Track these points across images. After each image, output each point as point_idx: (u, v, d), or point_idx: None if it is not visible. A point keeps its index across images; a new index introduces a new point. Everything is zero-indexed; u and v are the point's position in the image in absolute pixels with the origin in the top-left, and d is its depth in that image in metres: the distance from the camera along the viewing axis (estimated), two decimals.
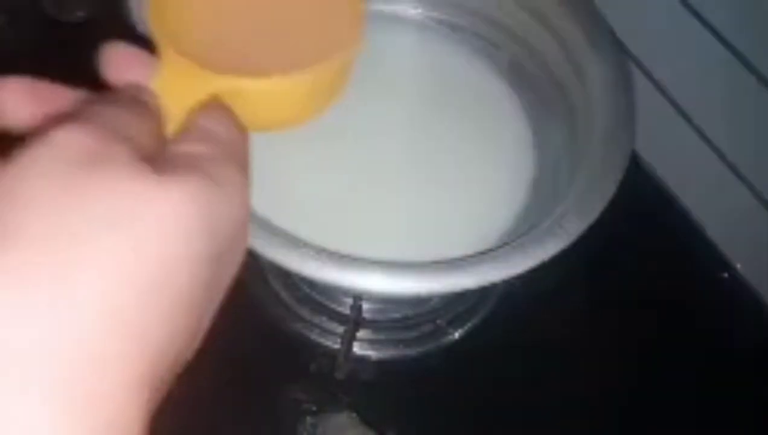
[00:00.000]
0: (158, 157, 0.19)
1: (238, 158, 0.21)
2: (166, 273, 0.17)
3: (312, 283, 0.49)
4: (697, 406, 0.47)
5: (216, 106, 0.24)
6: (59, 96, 0.21)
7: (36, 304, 0.15)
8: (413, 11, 0.51)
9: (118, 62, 0.22)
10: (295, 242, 0.34)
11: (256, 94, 0.25)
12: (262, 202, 0.38)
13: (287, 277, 0.50)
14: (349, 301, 0.47)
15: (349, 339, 0.45)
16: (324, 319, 0.49)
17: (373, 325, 0.49)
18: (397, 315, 0.50)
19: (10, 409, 0.14)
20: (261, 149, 0.44)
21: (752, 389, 0.48)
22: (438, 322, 0.49)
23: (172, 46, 0.24)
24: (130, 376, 0.16)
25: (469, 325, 0.50)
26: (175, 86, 0.23)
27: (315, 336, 0.49)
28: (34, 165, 0.17)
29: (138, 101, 0.21)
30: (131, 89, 0.22)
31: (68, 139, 0.17)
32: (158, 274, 0.16)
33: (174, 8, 0.26)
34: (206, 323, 0.19)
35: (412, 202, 0.44)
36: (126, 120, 0.19)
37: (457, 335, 0.49)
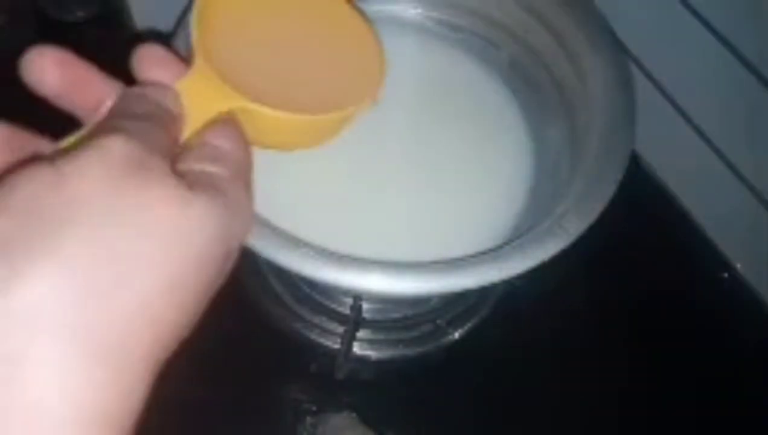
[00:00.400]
0: (175, 162, 0.22)
1: (246, 178, 0.24)
2: (184, 275, 0.20)
3: (312, 283, 0.49)
4: (698, 405, 0.47)
5: (230, 124, 0.26)
6: (89, 74, 0.24)
7: (87, 285, 0.18)
8: (413, 11, 0.51)
9: (149, 60, 0.25)
10: (295, 242, 0.34)
11: (269, 121, 0.27)
12: (262, 203, 0.38)
13: (287, 277, 0.50)
14: (349, 301, 0.47)
15: (349, 339, 0.45)
16: (324, 319, 0.49)
17: (373, 325, 0.49)
18: (397, 315, 0.50)
19: (54, 356, 0.17)
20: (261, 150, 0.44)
21: (752, 389, 0.48)
22: (438, 322, 0.49)
23: (207, 58, 0.26)
24: (143, 352, 0.19)
25: (469, 325, 0.50)
26: (199, 94, 0.25)
27: (315, 336, 0.49)
28: (91, 168, 0.19)
29: (162, 108, 0.24)
30: (157, 91, 0.24)
31: (119, 149, 0.20)
32: (178, 275, 0.19)
33: (216, 25, 0.28)
34: (198, 315, 0.22)
35: (411, 203, 0.44)
36: (158, 133, 0.22)
37: (457, 335, 0.49)
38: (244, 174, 0.24)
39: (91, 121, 0.25)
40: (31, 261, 0.17)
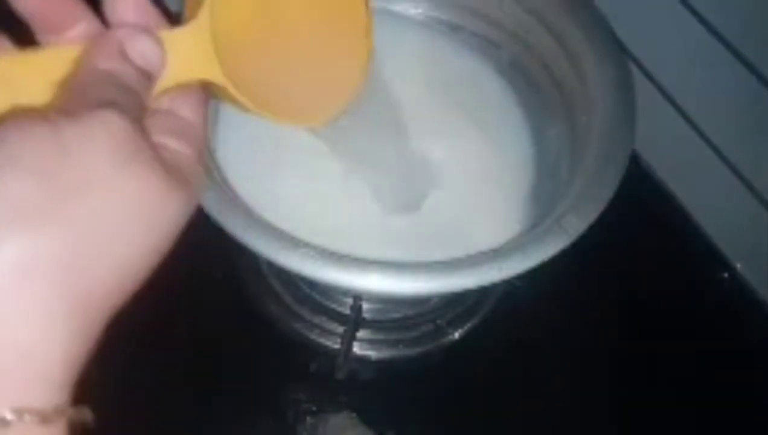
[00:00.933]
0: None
1: (203, 160, 0.25)
2: (149, 255, 0.21)
3: (312, 283, 0.49)
4: (698, 405, 0.47)
5: (199, 95, 0.25)
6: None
7: (80, 250, 0.19)
8: (414, 11, 0.51)
9: (126, 4, 0.24)
10: (295, 242, 0.34)
11: (241, 106, 0.27)
12: (262, 202, 0.38)
13: (287, 277, 0.50)
14: (349, 301, 0.47)
15: (349, 339, 0.45)
16: (324, 319, 0.49)
17: (373, 325, 0.49)
18: (397, 315, 0.50)
19: (38, 304, 0.18)
20: (264, 149, 0.44)
21: (752, 389, 0.48)
22: (438, 322, 0.49)
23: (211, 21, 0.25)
24: (106, 310, 0.20)
25: (469, 325, 0.50)
26: (185, 53, 0.25)
27: (315, 336, 0.49)
28: (97, 142, 0.20)
29: (146, 74, 0.23)
30: (144, 47, 0.23)
31: (118, 127, 0.20)
32: (145, 256, 0.21)
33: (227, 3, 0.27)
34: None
35: (411, 201, 0.44)
36: (141, 104, 0.23)
37: (457, 335, 0.49)
38: (202, 150, 0.25)
39: (47, 41, 0.24)
40: (42, 221, 0.19)
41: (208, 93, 0.26)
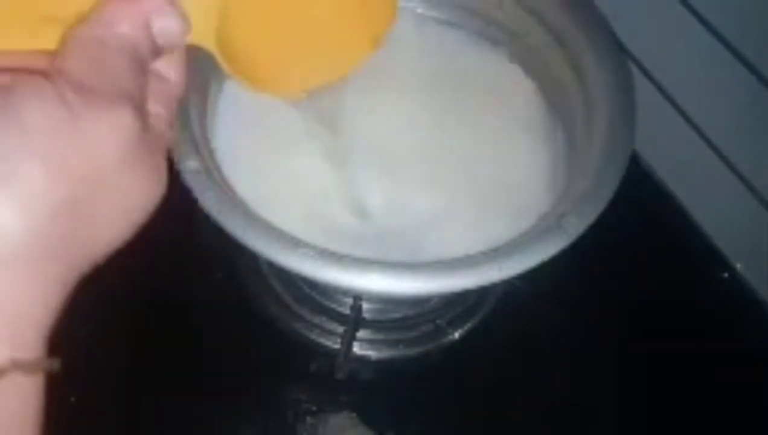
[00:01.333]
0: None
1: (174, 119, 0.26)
2: (128, 233, 0.23)
3: (312, 283, 0.49)
4: (697, 406, 0.47)
5: (187, 59, 0.26)
6: None
7: (75, 226, 0.21)
8: (414, 11, 0.50)
9: None
10: (295, 242, 0.34)
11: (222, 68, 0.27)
12: (262, 202, 0.38)
13: (287, 277, 0.50)
14: (349, 301, 0.47)
15: (349, 339, 0.45)
16: (324, 319, 0.49)
17: (373, 325, 0.49)
18: (397, 315, 0.50)
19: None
20: (265, 149, 0.44)
21: (752, 389, 0.48)
22: (438, 322, 0.49)
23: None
24: (86, 270, 0.22)
25: (469, 325, 0.50)
26: (195, 17, 0.24)
27: (315, 336, 0.49)
28: (111, 135, 0.21)
29: (157, 48, 0.24)
30: (166, 20, 0.23)
31: (130, 127, 0.21)
32: (124, 235, 0.23)
33: None
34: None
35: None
36: (145, 85, 0.23)
37: (457, 335, 0.49)
38: (174, 108, 0.26)
39: None
40: (48, 208, 0.20)
41: (190, 52, 0.26)
